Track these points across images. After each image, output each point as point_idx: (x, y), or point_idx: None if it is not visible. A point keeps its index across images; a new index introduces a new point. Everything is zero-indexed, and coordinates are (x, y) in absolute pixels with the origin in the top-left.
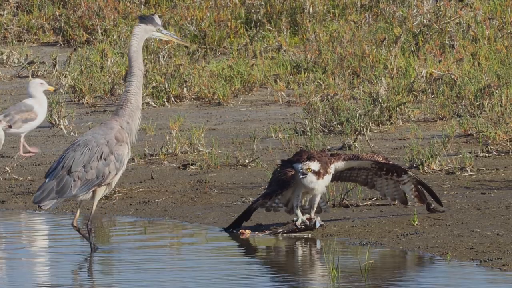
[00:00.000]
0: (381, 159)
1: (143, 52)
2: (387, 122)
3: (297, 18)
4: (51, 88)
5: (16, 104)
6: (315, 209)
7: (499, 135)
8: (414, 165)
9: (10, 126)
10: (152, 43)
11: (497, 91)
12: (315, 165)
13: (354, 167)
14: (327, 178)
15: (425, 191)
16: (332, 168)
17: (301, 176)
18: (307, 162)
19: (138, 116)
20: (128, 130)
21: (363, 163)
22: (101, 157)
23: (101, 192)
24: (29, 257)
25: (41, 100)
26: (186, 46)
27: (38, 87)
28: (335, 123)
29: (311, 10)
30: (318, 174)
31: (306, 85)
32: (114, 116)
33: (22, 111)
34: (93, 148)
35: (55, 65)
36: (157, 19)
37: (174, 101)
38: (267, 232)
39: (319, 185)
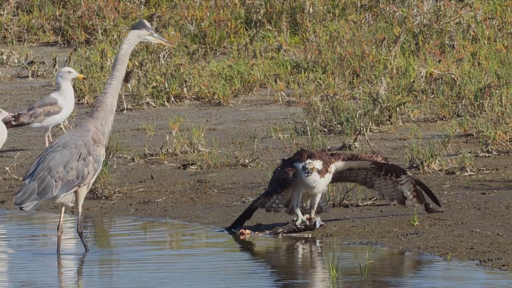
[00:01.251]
0: (380, 159)
1: (143, 52)
2: (387, 122)
3: (297, 18)
4: (80, 76)
5: (42, 98)
6: (315, 209)
7: (499, 135)
8: (414, 165)
9: (14, 117)
10: (152, 43)
11: (497, 91)
12: (318, 164)
13: (353, 167)
14: (328, 177)
15: (423, 192)
16: (332, 168)
17: (305, 175)
18: (311, 161)
19: (111, 119)
20: (103, 132)
21: (362, 163)
22: (80, 157)
23: (83, 192)
24: (25, 257)
25: (67, 93)
26: (186, 46)
27: (65, 75)
28: (335, 123)
29: (311, 10)
30: (320, 172)
31: (306, 85)
32: (89, 118)
33: (45, 105)
34: (72, 149)
35: (55, 65)
36: (147, 23)
37: (174, 101)
38: (267, 232)
39: (320, 183)
